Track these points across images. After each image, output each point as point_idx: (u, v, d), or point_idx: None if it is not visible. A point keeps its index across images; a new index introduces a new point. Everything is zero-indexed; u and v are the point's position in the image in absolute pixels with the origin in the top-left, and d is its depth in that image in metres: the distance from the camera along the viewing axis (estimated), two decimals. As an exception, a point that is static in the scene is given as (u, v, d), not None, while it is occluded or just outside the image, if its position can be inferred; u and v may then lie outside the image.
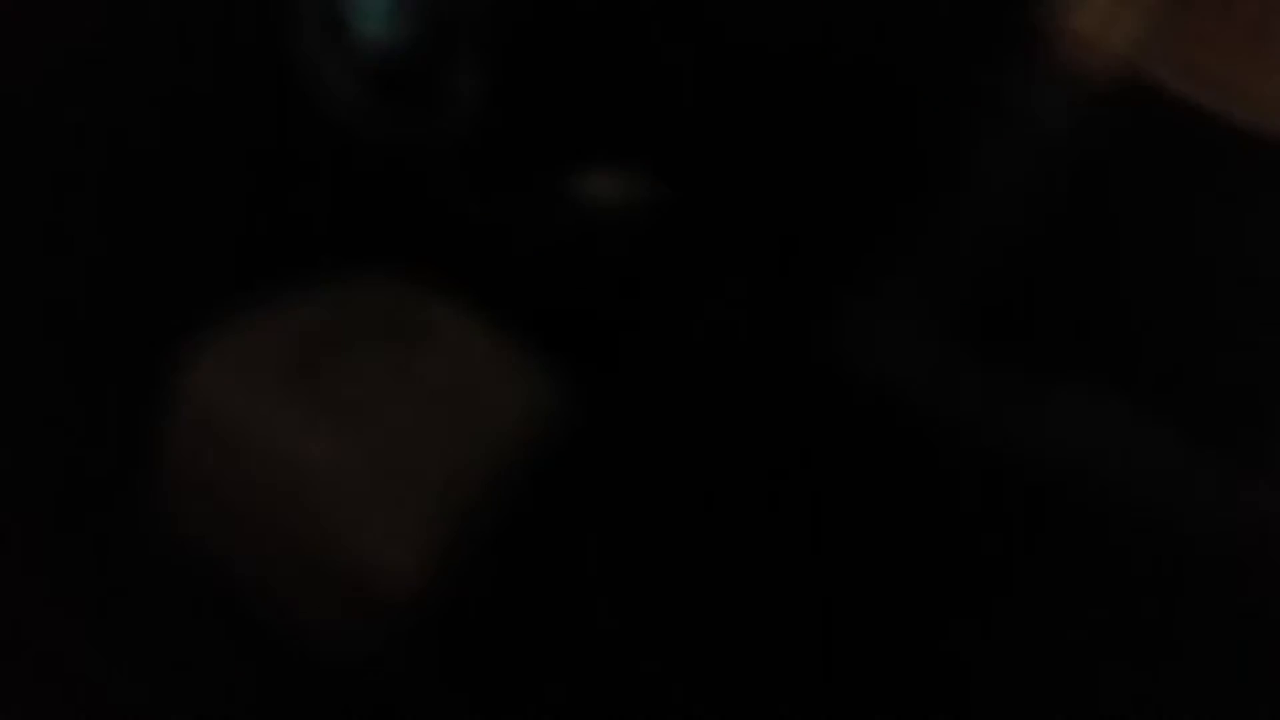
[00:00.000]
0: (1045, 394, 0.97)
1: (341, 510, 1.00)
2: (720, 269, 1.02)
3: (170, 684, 0.97)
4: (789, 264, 1.00)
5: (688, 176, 1.05)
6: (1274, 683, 0.94)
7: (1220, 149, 1.02)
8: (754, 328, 1.01)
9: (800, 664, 0.96)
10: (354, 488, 1.00)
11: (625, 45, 1.09)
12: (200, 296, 1.05)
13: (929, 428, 0.97)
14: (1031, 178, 0.97)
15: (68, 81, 1.11)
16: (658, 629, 0.98)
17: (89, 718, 0.95)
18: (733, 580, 0.99)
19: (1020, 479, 0.97)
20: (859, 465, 0.98)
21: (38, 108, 1.10)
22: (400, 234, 1.09)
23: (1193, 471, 0.96)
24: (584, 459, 1.02)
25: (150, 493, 1.02)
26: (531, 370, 1.05)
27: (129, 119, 1.10)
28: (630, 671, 0.97)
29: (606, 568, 1.00)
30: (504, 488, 1.01)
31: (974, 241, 0.97)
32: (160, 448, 1.01)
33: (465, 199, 1.10)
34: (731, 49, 1.05)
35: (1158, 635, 0.96)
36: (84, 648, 0.96)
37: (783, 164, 0.99)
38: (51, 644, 0.97)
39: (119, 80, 1.10)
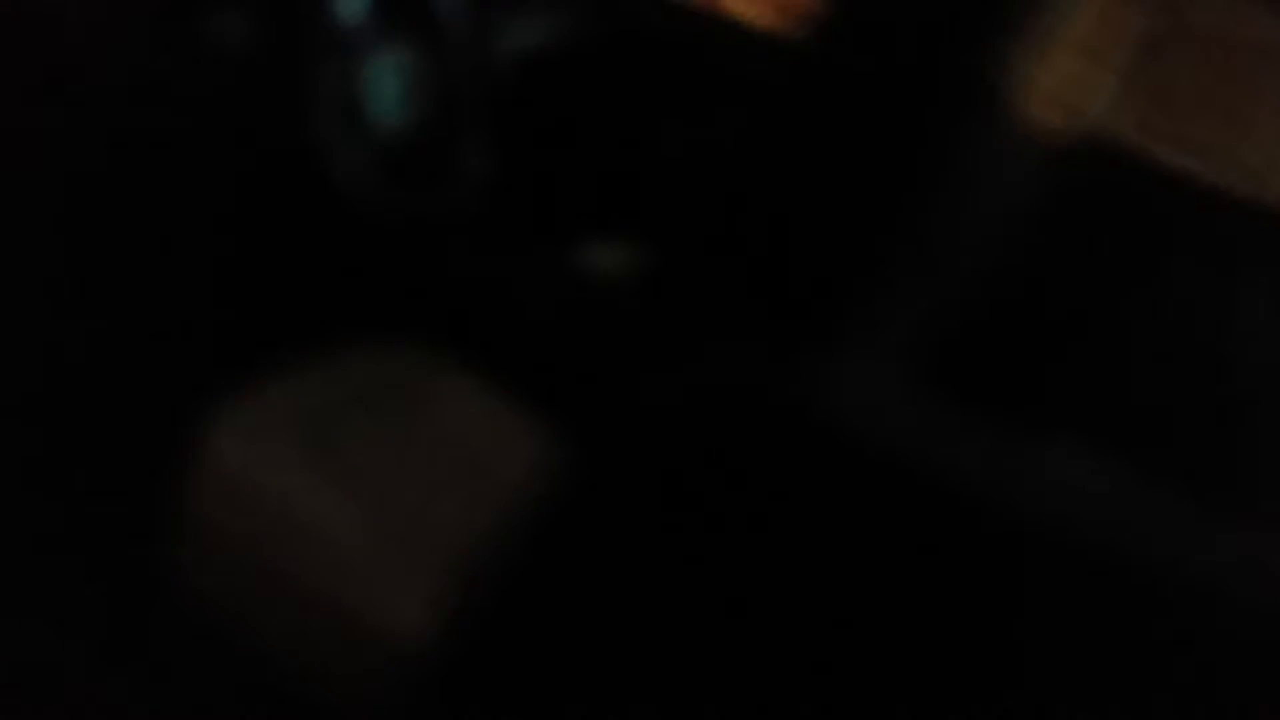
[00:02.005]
0: (1025, 446, 0.98)
1: (353, 566, 1.03)
2: (711, 329, 1.04)
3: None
4: (776, 322, 1.02)
5: (679, 243, 1.09)
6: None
7: (1188, 208, 1.03)
8: (745, 384, 1.03)
9: (791, 701, 0.97)
10: (366, 545, 1.03)
11: (618, 126, 1.14)
12: (222, 363, 1.10)
13: (913, 479, 0.98)
14: (1000, 234, 0.99)
15: (101, 155, 1.17)
16: (658, 675, 1.00)
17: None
18: (730, 628, 1.00)
19: (1004, 527, 0.97)
20: (853, 521, 0.99)
21: (68, 194, 1.18)
22: (410, 302, 1.14)
23: (1169, 518, 0.96)
24: (584, 513, 1.05)
25: (171, 547, 1.06)
26: (534, 430, 1.09)
27: (156, 193, 1.17)
28: (632, 717, 0.99)
29: (606, 617, 1.02)
30: (509, 542, 1.03)
31: (949, 298, 0.99)
32: (181, 505, 1.05)
33: (472, 269, 1.14)
34: (713, 128, 1.09)
35: (1141, 682, 0.95)
36: (103, 695, 1.00)
37: (766, 227, 1.02)
38: (73, 691, 1.01)
39: (149, 154, 1.17)
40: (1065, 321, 1.01)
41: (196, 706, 1.03)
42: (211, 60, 1.16)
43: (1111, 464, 0.96)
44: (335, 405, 1.09)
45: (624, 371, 1.09)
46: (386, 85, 1.17)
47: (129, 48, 1.21)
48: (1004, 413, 0.98)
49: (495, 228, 1.16)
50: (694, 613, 1.01)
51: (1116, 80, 1.03)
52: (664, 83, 1.16)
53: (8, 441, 1.11)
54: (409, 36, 1.17)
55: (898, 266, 0.97)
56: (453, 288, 1.14)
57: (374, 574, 1.03)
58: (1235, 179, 1.03)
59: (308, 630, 1.05)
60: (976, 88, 0.97)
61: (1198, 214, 1.03)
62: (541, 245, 1.15)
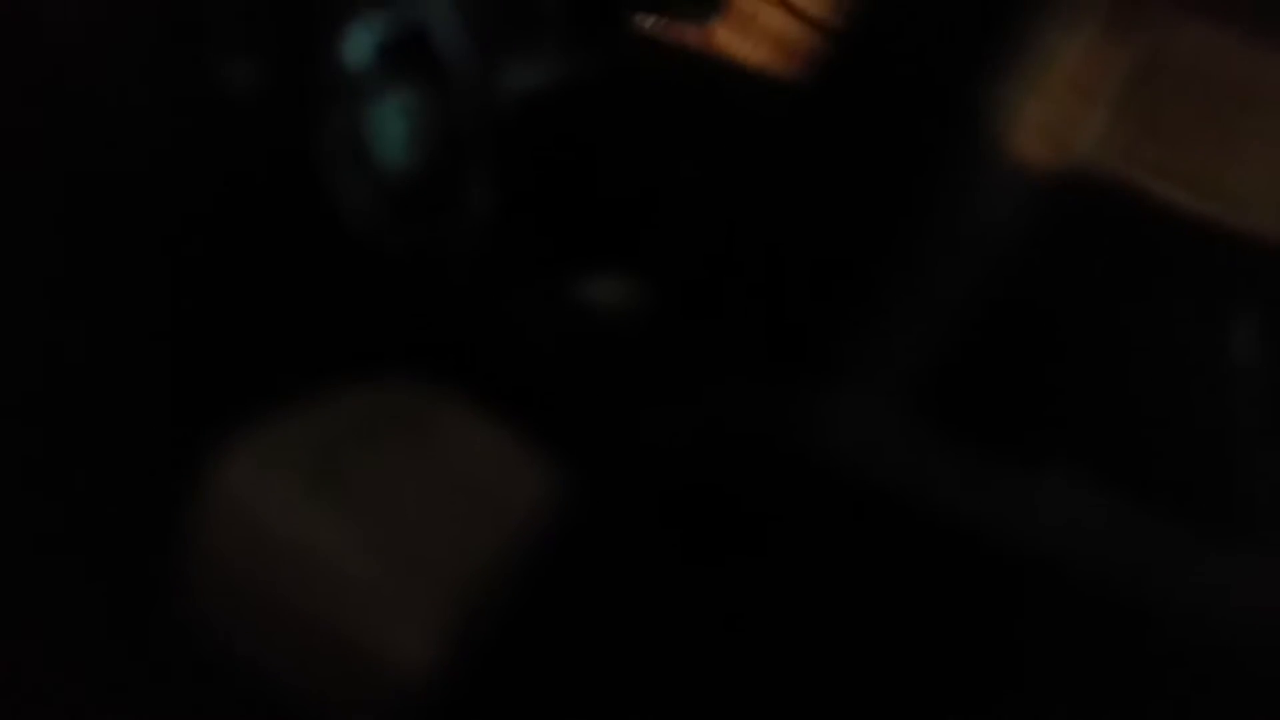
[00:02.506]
0: (1022, 477, 0.99)
1: (357, 596, 1.05)
2: (710, 362, 1.06)
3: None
4: (773, 357, 1.04)
5: (678, 277, 1.11)
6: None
7: (1177, 238, 1.04)
8: (743, 418, 1.05)
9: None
10: (370, 575, 1.05)
11: (618, 163, 1.17)
12: (229, 397, 1.12)
13: (911, 512, 0.99)
14: (994, 268, 1.01)
15: (113, 186, 1.20)
16: (660, 707, 1.01)
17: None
18: (731, 660, 1.01)
19: (1003, 558, 0.98)
20: (852, 555, 1.00)
21: (75, 215, 1.20)
22: (416, 337, 1.16)
23: (1165, 547, 0.97)
24: (586, 545, 1.06)
25: (179, 581, 1.07)
26: (537, 463, 1.10)
27: (166, 227, 1.19)
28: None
29: (609, 648, 1.03)
30: (512, 574, 1.05)
31: (944, 332, 1.01)
32: (190, 539, 1.07)
33: (475, 303, 1.17)
34: (713, 164, 1.12)
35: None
36: (104, 695, 1.01)
37: (764, 262, 1.05)
38: (72, 706, 1.02)
39: (157, 191, 1.20)
40: (1059, 351, 1.03)
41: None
42: (220, 101, 1.19)
43: (1107, 493, 0.97)
44: (340, 436, 1.11)
45: (625, 404, 1.10)
46: (393, 126, 1.20)
47: (134, 90, 1.24)
48: (1000, 445, 0.99)
49: (498, 262, 1.18)
50: (695, 644, 1.02)
51: (1104, 114, 1.05)
52: (663, 121, 1.18)
53: (8, 461, 1.14)
54: (414, 79, 1.20)
55: (893, 301, 0.99)
56: (456, 321, 1.16)
57: (378, 604, 1.05)
58: (1222, 208, 1.04)
59: (312, 659, 1.06)
60: (971, 125, 0.99)
61: (1187, 244, 1.04)
62: (543, 279, 1.18)
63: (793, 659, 0.98)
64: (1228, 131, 1.06)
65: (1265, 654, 0.95)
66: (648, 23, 1.35)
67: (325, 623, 1.05)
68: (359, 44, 1.18)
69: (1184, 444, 1.00)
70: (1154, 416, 1.01)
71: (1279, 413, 1.00)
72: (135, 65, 1.20)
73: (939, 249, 0.99)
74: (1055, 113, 1.02)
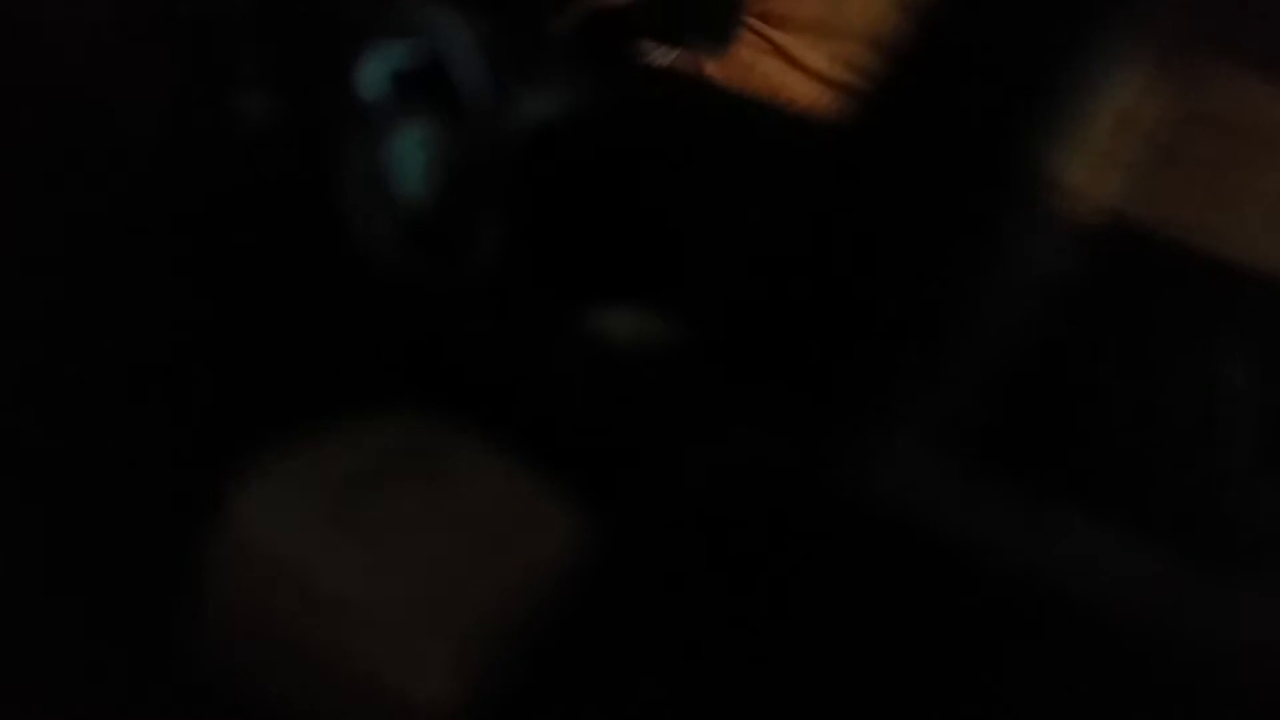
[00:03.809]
0: (1059, 521, 0.99)
1: (377, 636, 1.04)
2: (739, 403, 1.06)
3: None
4: (799, 398, 1.04)
5: (704, 313, 1.11)
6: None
7: (1207, 285, 1.06)
8: (774, 459, 1.05)
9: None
10: (390, 615, 1.04)
11: (634, 198, 1.16)
12: (245, 431, 1.10)
13: (949, 556, 0.99)
14: (1028, 316, 1.01)
15: (126, 220, 1.18)
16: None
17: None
18: (761, 702, 1.00)
19: (1041, 604, 0.98)
20: (897, 600, 1.00)
21: (89, 259, 1.18)
22: (433, 370, 1.15)
23: (1196, 596, 0.98)
24: (611, 586, 1.06)
25: (194, 618, 1.06)
26: (555, 503, 1.09)
27: (180, 260, 1.18)
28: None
29: (633, 692, 1.02)
30: (532, 616, 1.04)
31: (984, 376, 1.01)
32: (205, 575, 1.05)
33: (493, 336, 1.16)
34: (737, 201, 1.12)
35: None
36: None
37: (791, 301, 1.04)
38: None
39: (171, 227, 1.18)
40: (1097, 394, 1.04)
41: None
42: (236, 135, 1.18)
43: (1142, 534, 0.98)
44: (358, 474, 1.10)
45: (650, 442, 1.10)
46: (410, 157, 1.19)
47: (148, 124, 1.22)
48: (1037, 488, 0.99)
49: (515, 295, 1.18)
50: (722, 686, 1.02)
51: (1135, 168, 1.06)
52: (686, 152, 1.18)
53: (16, 506, 1.12)
54: (430, 110, 1.19)
55: (934, 343, 0.99)
56: (473, 354, 1.15)
57: (397, 641, 1.04)
58: (1246, 255, 1.06)
59: (329, 697, 1.05)
60: (1014, 175, 0.99)
61: (1222, 290, 1.06)
62: (561, 313, 1.17)
63: (829, 702, 0.98)
64: (1250, 180, 1.08)
65: (1268, 690, 0.96)
66: (658, 54, 1.35)
67: (343, 660, 1.04)
68: (375, 75, 1.17)
69: (1220, 485, 1.01)
70: (1189, 458, 1.02)
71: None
72: (149, 99, 1.19)
73: (980, 293, 0.99)
74: (1089, 170, 1.03)
